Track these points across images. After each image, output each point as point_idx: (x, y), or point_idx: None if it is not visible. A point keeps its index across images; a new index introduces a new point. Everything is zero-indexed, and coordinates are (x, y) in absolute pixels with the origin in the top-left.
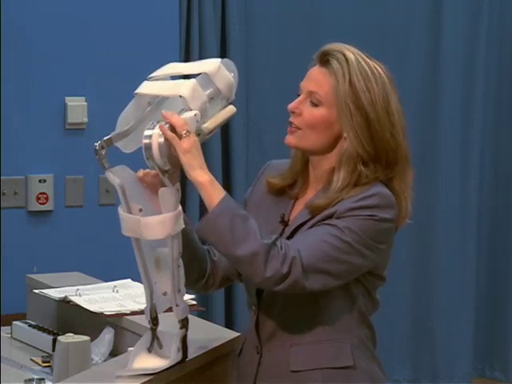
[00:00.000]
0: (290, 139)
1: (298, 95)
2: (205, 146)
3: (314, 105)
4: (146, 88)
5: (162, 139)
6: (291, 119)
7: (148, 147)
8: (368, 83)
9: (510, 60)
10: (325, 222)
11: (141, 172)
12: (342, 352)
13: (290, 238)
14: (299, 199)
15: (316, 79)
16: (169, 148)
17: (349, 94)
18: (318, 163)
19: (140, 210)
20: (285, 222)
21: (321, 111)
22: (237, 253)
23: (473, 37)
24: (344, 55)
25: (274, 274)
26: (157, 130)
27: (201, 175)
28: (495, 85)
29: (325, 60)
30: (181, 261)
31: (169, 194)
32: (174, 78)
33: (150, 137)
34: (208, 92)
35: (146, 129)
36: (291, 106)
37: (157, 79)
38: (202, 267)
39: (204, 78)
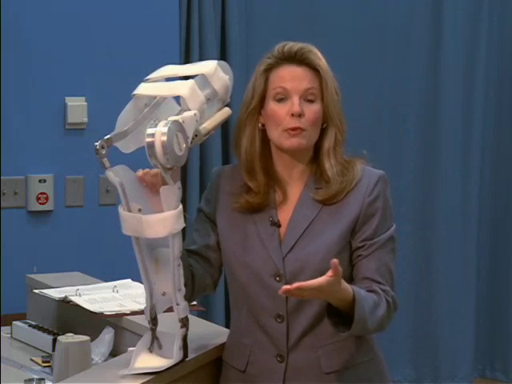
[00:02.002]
0: (297, 141)
1: (280, 97)
2: (205, 146)
3: (311, 101)
4: (145, 89)
5: (164, 137)
6: (297, 124)
7: (151, 145)
8: (333, 71)
9: (511, 60)
10: (370, 242)
11: (140, 171)
12: (363, 346)
13: (302, 235)
14: (279, 202)
15: (306, 77)
16: (171, 146)
17: (333, 84)
18: (300, 159)
19: (139, 210)
20: (276, 224)
21: (317, 106)
22: (372, 327)
23: (473, 37)
24: (313, 52)
25: (391, 320)
26: (159, 128)
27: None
28: (495, 85)
29: (301, 59)
30: (180, 260)
31: (170, 192)
32: (168, 79)
33: (152, 135)
34: (205, 93)
35: (148, 127)
36: (297, 109)
37: (153, 81)
38: (186, 276)
39: (201, 79)
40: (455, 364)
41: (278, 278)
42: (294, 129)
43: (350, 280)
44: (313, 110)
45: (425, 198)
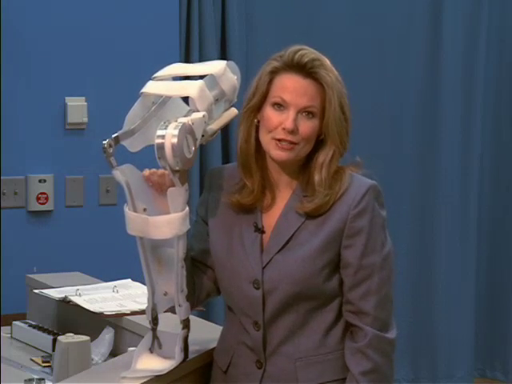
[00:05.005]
0: (285, 155)
1: (278, 104)
2: (205, 146)
3: (309, 117)
4: (153, 87)
5: (175, 139)
6: (288, 138)
7: (161, 147)
8: (342, 87)
9: (510, 60)
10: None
11: (147, 171)
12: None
13: (286, 244)
14: (266, 205)
15: (307, 93)
16: (181, 148)
17: (338, 102)
18: (289, 170)
19: (144, 210)
20: (260, 230)
21: (315, 122)
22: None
23: (473, 37)
24: (322, 63)
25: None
26: (170, 130)
27: None
28: (495, 85)
29: (309, 72)
30: (184, 262)
31: (177, 194)
32: (175, 78)
33: (163, 137)
34: (214, 93)
35: (158, 128)
36: (290, 126)
37: (161, 79)
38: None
39: (210, 80)
40: (454, 364)
41: (256, 286)
42: (281, 140)
43: (335, 295)
44: (309, 125)
45: (425, 198)
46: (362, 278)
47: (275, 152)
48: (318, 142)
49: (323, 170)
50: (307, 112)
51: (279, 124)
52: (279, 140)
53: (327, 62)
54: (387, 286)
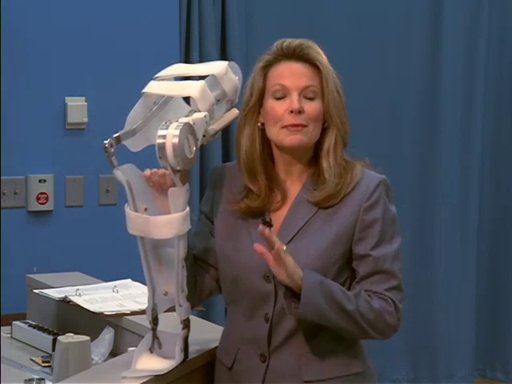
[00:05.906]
0: (297, 138)
1: (279, 94)
2: (205, 146)
3: (310, 99)
4: (155, 88)
5: (176, 139)
6: (297, 121)
7: (162, 147)
8: (334, 72)
9: (510, 60)
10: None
11: (148, 171)
12: (351, 359)
13: (295, 235)
14: (275, 203)
15: (305, 74)
16: (182, 148)
17: (334, 82)
18: (301, 158)
19: (145, 210)
20: (268, 223)
21: (318, 104)
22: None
23: (473, 37)
24: (313, 48)
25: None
26: (171, 130)
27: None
28: (495, 85)
29: (300, 55)
30: (185, 262)
31: (178, 194)
32: (177, 78)
33: (164, 137)
34: (215, 94)
35: (160, 128)
36: (296, 106)
37: (163, 79)
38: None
39: (212, 80)
40: (454, 364)
41: (267, 279)
42: (294, 125)
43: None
44: (313, 106)
45: (425, 198)
46: (374, 271)
47: (289, 138)
48: (323, 131)
49: (330, 156)
50: (308, 96)
51: (284, 111)
52: (290, 125)
53: (315, 45)
54: (399, 278)
